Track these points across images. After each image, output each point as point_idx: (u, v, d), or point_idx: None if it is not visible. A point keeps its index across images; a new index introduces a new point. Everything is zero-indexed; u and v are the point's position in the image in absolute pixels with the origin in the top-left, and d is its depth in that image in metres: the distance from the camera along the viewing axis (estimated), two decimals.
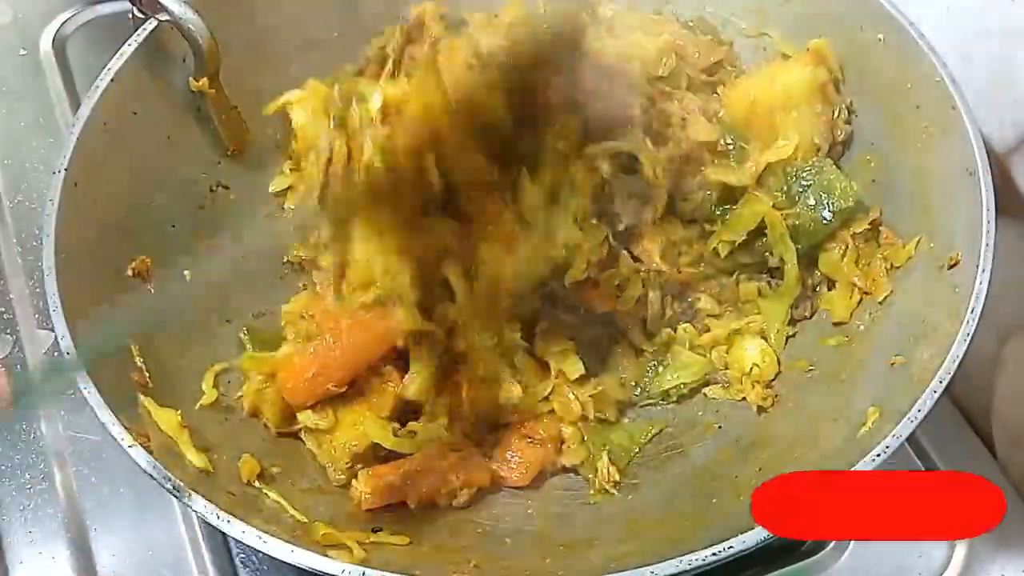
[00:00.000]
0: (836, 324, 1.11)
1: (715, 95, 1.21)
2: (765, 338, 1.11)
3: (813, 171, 1.09)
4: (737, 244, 1.11)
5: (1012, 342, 1.22)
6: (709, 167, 1.11)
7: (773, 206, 1.09)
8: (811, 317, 1.14)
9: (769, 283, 1.12)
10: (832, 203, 1.07)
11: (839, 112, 1.14)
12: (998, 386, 1.23)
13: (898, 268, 1.07)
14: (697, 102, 1.17)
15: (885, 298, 1.07)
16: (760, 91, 1.13)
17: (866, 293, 1.09)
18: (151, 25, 1.08)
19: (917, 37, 1.05)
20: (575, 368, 1.05)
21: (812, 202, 1.08)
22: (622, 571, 0.79)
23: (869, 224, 1.10)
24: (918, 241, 1.05)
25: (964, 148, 0.98)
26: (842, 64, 1.15)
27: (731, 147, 1.12)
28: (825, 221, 1.08)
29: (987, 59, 1.10)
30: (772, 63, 1.21)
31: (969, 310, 0.90)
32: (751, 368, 1.09)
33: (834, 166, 1.10)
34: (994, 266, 0.92)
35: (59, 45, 1.54)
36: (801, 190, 1.09)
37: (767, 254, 1.11)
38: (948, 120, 1.01)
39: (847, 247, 1.10)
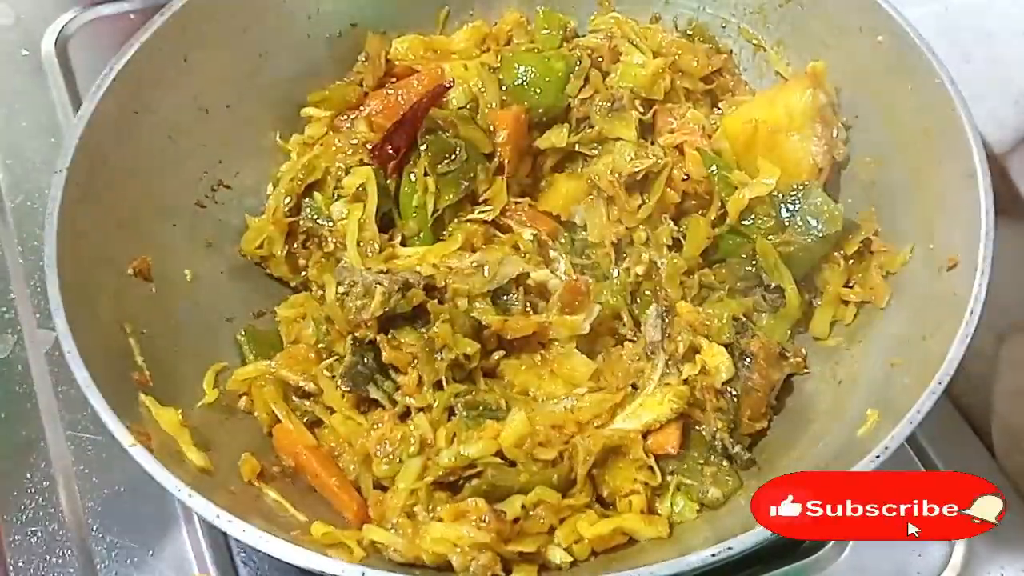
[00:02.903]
0: (816, 339, 1.12)
1: (715, 110, 1.23)
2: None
3: (800, 195, 1.09)
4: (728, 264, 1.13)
5: (1011, 343, 1.22)
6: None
7: (762, 232, 1.10)
8: (806, 331, 1.14)
9: (764, 297, 1.13)
10: (821, 227, 1.07)
11: (837, 132, 1.14)
12: (997, 387, 1.23)
13: (894, 274, 1.08)
14: (699, 119, 1.18)
15: (886, 302, 1.07)
16: (762, 114, 1.13)
17: (866, 301, 1.09)
18: (153, 26, 1.08)
19: (916, 38, 1.05)
20: None
21: (801, 228, 1.08)
22: (621, 571, 0.79)
23: (861, 243, 1.10)
24: (912, 248, 1.06)
25: (963, 149, 0.98)
26: (841, 68, 1.15)
27: (715, 174, 1.12)
28: (815, 245, 1.08)
29: (986, 60, 1.11)
30: (771, 87, 1.22)
31: (968, 312, 0.90)
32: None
33: (820, 189, 1.09)
34: (993, 267, 0.92)
35: (61, 46, 1.54)
36: (789, 215, 1.09)
37: (761, 275, 1.12)
38: (947, 121, 1.01)
39: (840, 267, 1.10)
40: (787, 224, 1.09)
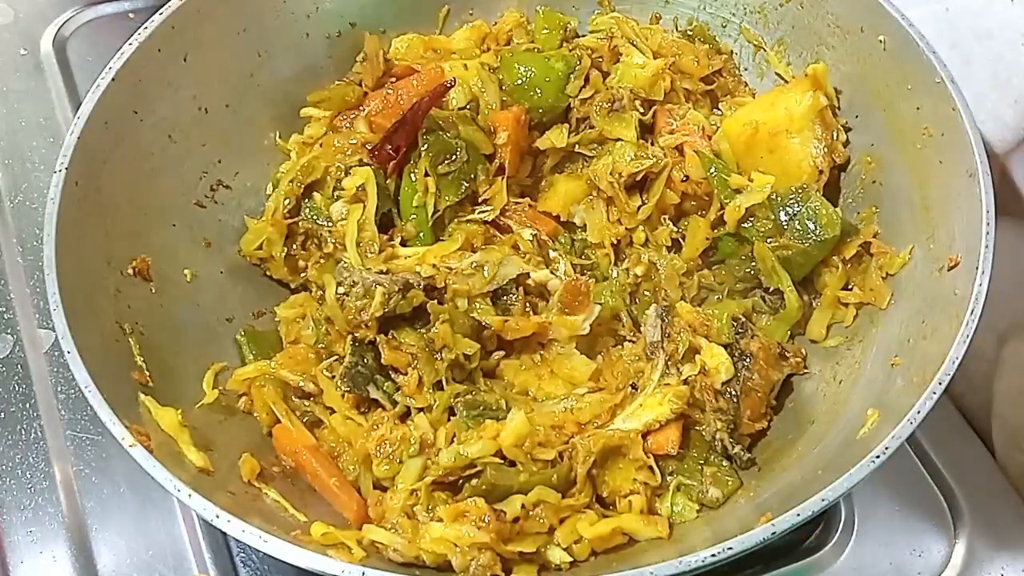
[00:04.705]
0: (812, 341, 1.12)
1: (715, 111, 1.23)
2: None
3: (798, 199, 1.08)
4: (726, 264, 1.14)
5: (1011, 343, 1.22)
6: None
7: (760, 235, 1.10)
8: (805, 334, 1.14)
9: (764, 299, 1.13)
10: (819, 232, 1.07)
11: (837, 135, 1.14)
12: (998, 387, 1.23)
13: (893, 275, 1.08)
14: (699, 119, 1.18)
15: (888, 304, 1.07)
16: (762, 116, 1.13)
17: (866, 303, 1.09)
18: (152, 25, 1.08)
19: (917, 38, 1.05)
20: None
21: (799, 232, 1.07)
22: (621, 571, 0.79)
23: (860, 246, 1.10)
24: (912, 248, 1.06)
25: (964, 149, 0.98)
26: (842, 68, 1.15)
27: (713, 176, 1.12)
28: (814, 249, 1.08)
29: (986, 60, 1.11)
30: (772, 89, 1.22)
31: (968, 311, 0.90)
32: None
33: (819, 193, 1.09)
34: (993, 267, 0.92)
35: (60, 45, 1.54)
36: (788, 219, 1.08)
37: (760, 277, 1.12)
38: (948, 121, 1.01)
39: (838, 270, 1.10)
40: (785, 228, 1.08)
